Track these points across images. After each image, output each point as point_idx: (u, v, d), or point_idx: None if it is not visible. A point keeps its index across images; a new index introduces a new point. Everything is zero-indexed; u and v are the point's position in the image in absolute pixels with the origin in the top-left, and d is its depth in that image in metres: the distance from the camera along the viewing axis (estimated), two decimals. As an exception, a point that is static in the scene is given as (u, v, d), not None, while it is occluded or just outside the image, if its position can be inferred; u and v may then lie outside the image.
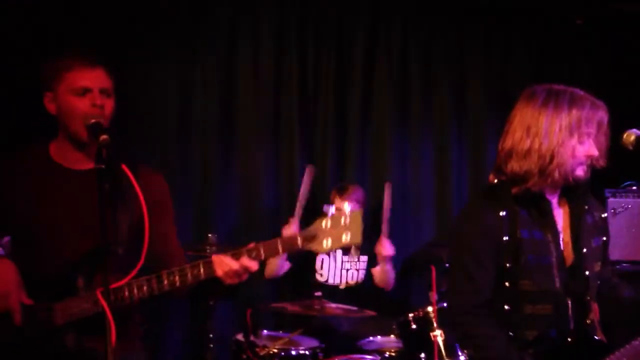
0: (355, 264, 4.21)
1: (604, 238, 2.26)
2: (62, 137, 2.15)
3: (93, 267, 1.96)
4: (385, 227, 4.07)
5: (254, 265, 1.94)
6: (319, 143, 4.71)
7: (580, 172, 2.07)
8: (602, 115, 2.06)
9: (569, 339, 2.09)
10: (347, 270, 4.20)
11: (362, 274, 4.25)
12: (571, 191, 2.16)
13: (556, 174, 2.04)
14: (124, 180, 1.91)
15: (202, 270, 1.95)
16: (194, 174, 4.38)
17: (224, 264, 1.94)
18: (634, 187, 4.13)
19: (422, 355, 3.34)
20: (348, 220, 1.91)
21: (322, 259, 4.17)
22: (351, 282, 4.21)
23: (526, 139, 2.03)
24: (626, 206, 4.06)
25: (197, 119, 4.40)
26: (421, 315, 3.41)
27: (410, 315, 3.45)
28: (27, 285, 2.01)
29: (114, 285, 1.92)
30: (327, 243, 1.91)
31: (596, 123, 2.04)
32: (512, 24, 5.03)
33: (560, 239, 2.13)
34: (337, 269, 4.18)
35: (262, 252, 1.93)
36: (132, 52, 4.14)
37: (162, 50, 4.31)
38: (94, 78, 2.09)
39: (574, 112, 2.02)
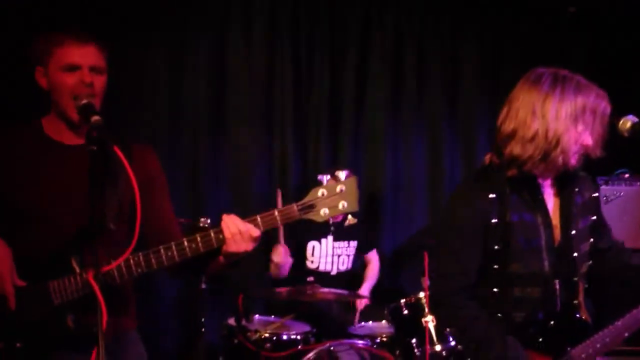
0: (346, 249, 4.22)
1: (594, 217, 2.25)
2: (53, 113, 2.12)
3: (86, 246, 1.94)
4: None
5: (256, 231, 1.92)
6: (312, 130, 4.70)
7: (574, 160, 2.06)
8: (605, 105, 2.05)
9: (554, 320, 2.11)
10: (339, 256, 4.21)
11: (352, 259, 4.26)
12: (561, 176, 2.16)
13: (559, 160, 2.03)
14: (115, 160, 1.89)
15: (199, 243, 1.92)
16: (185, 161, 4.36)
17: (233, 225, 1.91)
18: (626, 175, 4.14)
19: (414, 340, 3.36)
20: (344, 187, 1.90)
21: (313, 245, 4.17)
22: (342, 268, 4.22)
23: (532, 122, 2.01)
24: (618, 194, 4.07)
25: (188, 105, 4.37)
26: (413, 301, 3.43)
27: (402, 301, 3.47)
28: (20, 264, 1.99)
29: (106, 268, 1.90)
30: (324, 212, 1.90)
31: (599, 113, 2.03)
32: (504, 13, 5.02)
33: (552, 223, 2.13)
34: (329, 255, 4.18)
35: (260, 223, 1.93)
36: (122, 39, 4.09)
37: (153, 38, 4.27)
38: (84, 55, 2.05)
39: (580, 99, 2.01)
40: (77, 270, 1.94)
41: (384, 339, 3.57)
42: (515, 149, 2.05)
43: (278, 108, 4.58)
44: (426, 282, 3.36)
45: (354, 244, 4.24)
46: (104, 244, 1.79)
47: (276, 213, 1.91)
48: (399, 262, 4.66)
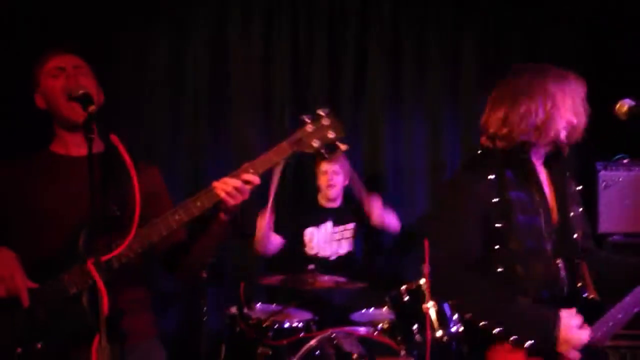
0: (345, 233, 4.23)
1: (581, 209, 2.32)
2: (57, 128, 2.20)
3: (93, 233, 1.96)
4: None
5: (255, 179, 1.99)
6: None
7: (563, 135, 2.15)
8: (582, 90, 2.17)
9: (562, 300, 2.11)
10: (338, 240, 4.22)
11: (351, 242, 4.27)
12: (552, 160, 2.25)
13: (551, 133, 2.13)
14: (115, 153, 1.91)
15: (204, 199, 1.98)
16: (185, 153, 4.36)
17: (226, 184, 1.97)
18: (625, 160, 4.14)
19: (415, 327, 3.36)
20: (327, 120, 2.00)
21: (312, 232, 4.18)
22: (341, 252, 4.23)
23: (521, 104, 2.13)
24: (617, 179, 4.07)
25: (189, 99, 4.38)
26: (414, 287, 3.43)
27: (403, 287, 3.47)
28: (32, 270, 2.00)
29: (105, 257, 1.90)
30: (315, 143, 1.99)
31: (577, 96, 2.14)
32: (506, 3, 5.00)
33: (549, 203, 2.19)
34: (327, 241, 4.19)
35: (257, 166, 1.99)
36: (122, 30, 4.09)
37: (152, 30, 4.26)
38: (67, 59, 2.16)
39: (559, 83, 2.14)
40: (85, 254, 1.96)
41: (385, 326, 3.57)
42: (509, 128, 2.14)
43: (277, 95, 4.58)
44: (426, 268, 3.36)
45: (351, 226, 4.25)
46: (110, 231, 1.82)
47: (271, 153, 1.99)
48: (400, 249, 4.67)
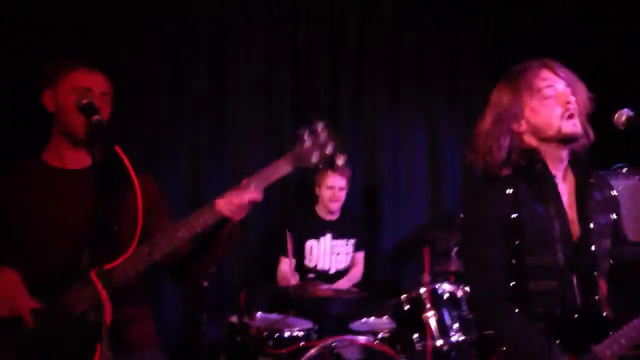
0: (345, 247, 4.23)
1: (614, 216, 2.23)
2: (56, 137, 2.20)
3: (93, 247, 1.96)
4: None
5: (258, 197, 2.02)
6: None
7: (568, 127, 2.09)
8: (545, 69, 2.15)
9: (575, 316, 2.07)
10: (337, 254, 4.22)
11: (350, 258, 4.27)
12: (575, 166, 2.19)
13: (549, 132, 2.10)
14: (117, 161, 1.92)
15: (207, 216, 2.00)
16: (185, 169, 4.36)
17: (230, 203, 2.00)
18: (624, 169, 4.14)
19: (415, 335, 3.37)
20: (325, 134, 2.03)
21: (312, 245, 4.19)
22: (340, 267, 4.23)
23: (491, 120, 2.19)
24: (616, 188, 4.07)
25: (188, 108, 4.37)
26: (414, 296, 3.45)
27: (403, 296, 3.48)
28: (34, 287, 2.01)
29: (109, 266, 1.91)
30: (314, 157, 2.01)
31: (546, 77, 2.12)
32: (505, 6, 5.03)
33: (567, 215, 2.12)
34: (327, 254, 4.20)
35: (257, 182, 2.01)
36: (121, 38, 4.10)
37: (152, 44, 4.27)
38: (96, 81, 2.18)
39: (523, 76, 2.16)
40: (88, 271, 1.96)
41: (386, 335, 3.58)
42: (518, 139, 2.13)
43: (277, 108, 4.59)
44: (426, 278, 3.38)
45: (352, 241, 4.26)
46: (112, 247, 1.82)
47: (270, 170, 2.02)
48: (400, 258, 4.68)
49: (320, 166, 1.98)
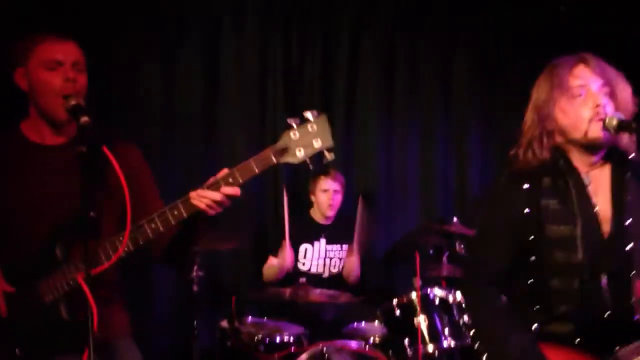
0: (339, 252, 4.22)
1: None
2: (34, 114, 2.11)
3: (70, 237, 1.94)
4: (356, 244, 4.05)
5: (236, 191, 1.90)
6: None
7: (595, 131, 1.97)
8: (581, 65, 2.02)
9: (605, 317, 1.97)
10: (331, 259, 4.21)
11: (344, 262, 4.27)
12: (611, 161, 2.07)
13: (575, 135, 2.00)
14: (105, 161, 1.89)
15: (182, 208, 1.91)
16: (178, 162, 4.34)
17: (204, 197, 1.89)
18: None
19: (406, 340, 3.37)
20: (315, 126, 1.87)
21: (306, 248, 4.18)
22: (334, 271, 4.22)
23: (531, 115, 2.07)
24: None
25: (181, 107, 4.37)
26: (405, 301, 3.44)
27: (395, 301, 3.48)
28: (8, 271, 1.99)
29: (96, 270, 1.89)
30: (299, 152, 1.86)
31: (580, 74, 2.01)
32: (502, 12, 5.04)
33: (594, 213, 2.02)
34: (320, 258, 4.19)
35: (238, 176, 1.89)
36: (114, 39, 4.09)
37: (145, 36, 4.27)
38: (66, 51, 2.05)
39: (557, 72, 2.03)
40: (62, 262, 1.94)
41: (377, 340, 3.58)
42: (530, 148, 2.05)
43: (270, 110, 4.59)
44: (418, 282, 3.37)
45: (346, 247, 4.25)
46: (88, 237, 1.79)
47: (252, 162, 1.88)
48: (391, 262, 4.67)
49: (311, 167, 1.89)
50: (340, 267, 4.23)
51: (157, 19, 4.30)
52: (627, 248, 1.99)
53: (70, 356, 1.86)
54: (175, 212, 1.92)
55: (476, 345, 2.05)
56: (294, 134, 1.87)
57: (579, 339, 1.98)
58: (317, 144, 1.86)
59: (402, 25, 4.89)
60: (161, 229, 1.92)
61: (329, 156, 1.88)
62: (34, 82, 2.05)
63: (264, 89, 4.58)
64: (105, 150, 1.88)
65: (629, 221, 2.01)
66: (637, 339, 1.92)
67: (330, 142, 1.87)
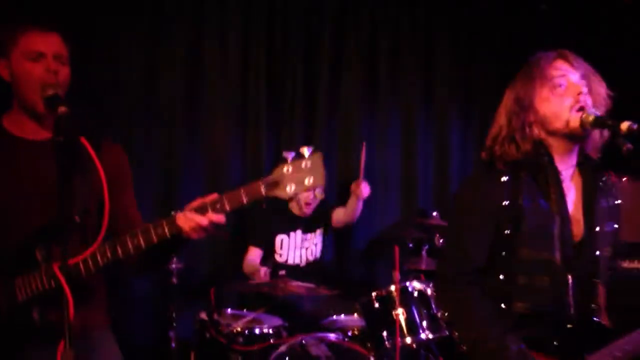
0: (313, 239, 4.24)
1: (616, 225, 2.13)
2: (17, 106, 2.10)
3: (51, 239, 1.92)
4: (362, 171, 4.14)
5: (221, 219, 1.88)
6: (286, 125, 4.70)
7: (575, 120, 1.98)
8: (560, 60, 2.06)
9: (567, 319, 1.99)
10: (307, 248, 4.23)
11: (319, 247, 4.29)
12: (585, 168, 2.11)
13: (556, 124, 2.01)
14: (83, 153, 1.87)
15: (166, 229, 1.89)
16: (160, 154, 4.32)
17: (191, 220, 1.87)
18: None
19: (384, 333, 3.38)
20: (309, 163, 1.84)
21: (282, 239, 4.19)
22: (311, 258, 4.24)
23: (511, 108, 2.07)
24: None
25: (163, 98, 4.34)
26: (384, 294, 3.45)
27: (374, 294, 3.49)
28: None
29: (73, 260, 1.88)
30: (290, 188, 1.84)
31: (560, 67, 2.04)
32: (478, 9, 5.07)
33: (569, 213, 2.04)
34: (297, 248, 4.21)
35: (226, 203, 1.87)
36: (97, 31, 4.04)
37: (128, 32, 4.22)
38: (49, 43, 2.03)
39: (537, 64, 2.06)
40: (42, 263, 1.93)
41: (355, 332, 3.59)
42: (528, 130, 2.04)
43: (253, 100, 4.57)
44: (397, 275, 3.38)
45: (320, 231, 4.27)
46: (72, 238, 1.76)
47: (242, 192, 1.85)
48: (371, 255, 4.69)
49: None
50: (317, 253, 4.25)
51: (138, 10, 4.25)
52: (597, 253, 2.04)
53: (44, 348, 1.84)
54: (159, 231, 1.90)
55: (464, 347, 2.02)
56: (287, 169, 1.85)
57: (549, 345, 1.97)
58: (309, 181, 1.84)
59: (385, 17, 4.90)
60: (143, 245, 1.90)
61: (319, 195, 1.87)
62: (16, 73, 2.03)
63: (246, 80, 4.56)
64: (84, 141, 1.86)
65: (597, 228, 2.05)
66: (602, 342, 1.94)
67: (322, 182, 1.85)
